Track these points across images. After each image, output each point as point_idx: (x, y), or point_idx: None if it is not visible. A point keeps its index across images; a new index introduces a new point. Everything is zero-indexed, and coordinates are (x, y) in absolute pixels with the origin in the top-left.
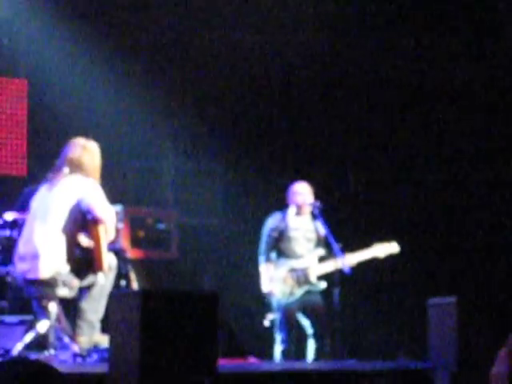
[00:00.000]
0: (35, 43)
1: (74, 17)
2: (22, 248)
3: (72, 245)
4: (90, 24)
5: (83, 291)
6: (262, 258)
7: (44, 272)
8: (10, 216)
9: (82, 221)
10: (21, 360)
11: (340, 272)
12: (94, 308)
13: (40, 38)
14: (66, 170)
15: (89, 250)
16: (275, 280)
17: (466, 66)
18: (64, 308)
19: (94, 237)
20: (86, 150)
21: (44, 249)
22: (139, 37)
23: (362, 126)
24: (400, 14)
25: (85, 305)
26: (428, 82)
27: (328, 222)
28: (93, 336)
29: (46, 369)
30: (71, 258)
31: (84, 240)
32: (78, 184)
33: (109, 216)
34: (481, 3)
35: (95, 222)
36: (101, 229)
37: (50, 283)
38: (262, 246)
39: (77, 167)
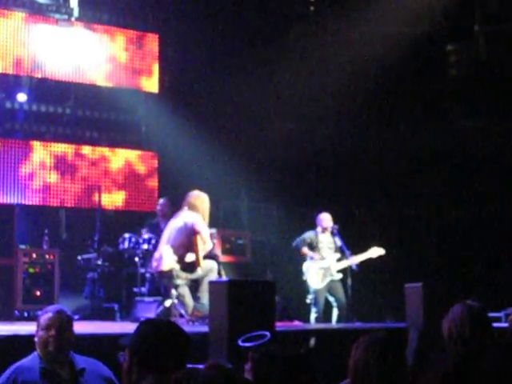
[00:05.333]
0: (164, 127)
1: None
2: (155, 254)
3: (182, 252)
4: (201, 115)
5: (198, 283)
6: (296, 244)
7: (164, 266)
8: (146, 235)
9: (188, 234)
10: (161, 319)
11: (350, 268)
12: (205, 296)
13: (168, 124)
14: (185, 208)
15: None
16: (311, 274)
17: None
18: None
19: (193, 242)
20: (199, 197)
21: (165, 254)
22: (227, 125)
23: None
24: None
25: (199, 294)
26: None
27: (342, 237)
28: (204, 312)
29: (175, 325)
30: (180, 260)
31: (188, 257)
32: (186, 215)
33: (204, 231)
34: None
35: (195, 232)
36: (198, 238)
37: (169, 275)
38: (297, 240)
39: (192, 207)
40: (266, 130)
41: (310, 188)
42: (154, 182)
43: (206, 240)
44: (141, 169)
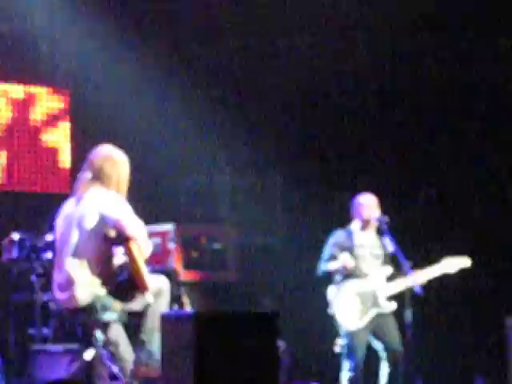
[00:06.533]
0: (75, 50)
1: (116, 20)
2: (56, 276)
3: (106, 266)
4: (134, 30)
5: (140, 320)
6: (323, 271)
7: (81, 300)
8: (50, 237)
9: (111, 239)
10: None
11: (411, 291)
12: (154, 338)
13: (80, 46)
14: (88, 175)
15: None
16: (342, 305)
17: None
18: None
19: (129, 255)
20: (110, 159)
21: (76, 275)
22: (191, 53)
23: (430, 139)
24: None
25: (143, 336)
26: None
27: (396, 238)
28: (153, 366)
29: None
30: (108, 281)
31: (116, 260)
32: (98, 199)
33: (139, 231)
34: None
35: (126, 239)
36: (133, 246)
37: (90, 309)
38: (322, 261)
39: (97, 174)
40: (263, 50)
41: (340, 153)
42: (62, 143)
43: (143, 246)
44: (39, 117)
